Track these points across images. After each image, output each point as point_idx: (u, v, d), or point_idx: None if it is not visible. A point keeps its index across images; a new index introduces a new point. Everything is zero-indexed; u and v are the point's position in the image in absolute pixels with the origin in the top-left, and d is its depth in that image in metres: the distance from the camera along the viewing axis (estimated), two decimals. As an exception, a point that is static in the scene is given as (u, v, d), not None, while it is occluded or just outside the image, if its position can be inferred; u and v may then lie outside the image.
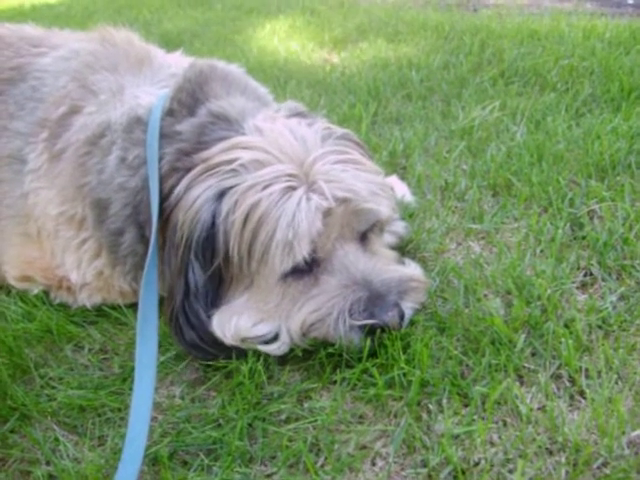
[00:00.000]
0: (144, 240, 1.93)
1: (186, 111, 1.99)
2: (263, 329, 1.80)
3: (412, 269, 1.94)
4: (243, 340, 1.79)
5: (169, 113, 2.00)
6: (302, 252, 1.70)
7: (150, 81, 2.25)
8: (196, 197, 1.75)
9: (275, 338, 1.81)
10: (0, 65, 2.44)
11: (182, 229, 1.76)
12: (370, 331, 1.71)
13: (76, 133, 2.12)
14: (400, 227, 2.17)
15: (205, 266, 1.78)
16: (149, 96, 2.12)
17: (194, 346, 1.81)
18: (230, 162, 1.77)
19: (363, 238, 1.89)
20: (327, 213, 1.73)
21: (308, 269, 1.79)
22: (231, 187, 1.74)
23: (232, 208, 1.72)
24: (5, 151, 2.27)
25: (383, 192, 1.85)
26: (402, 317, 1.74)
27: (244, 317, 1.80)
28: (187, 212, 1.75)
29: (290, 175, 1.74)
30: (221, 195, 1.75)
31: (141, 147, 1.97)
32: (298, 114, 1.99)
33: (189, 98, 2.01)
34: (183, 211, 1.76)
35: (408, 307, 1.80)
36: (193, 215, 1.74)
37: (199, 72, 2.09)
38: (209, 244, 1.76)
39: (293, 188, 1.72)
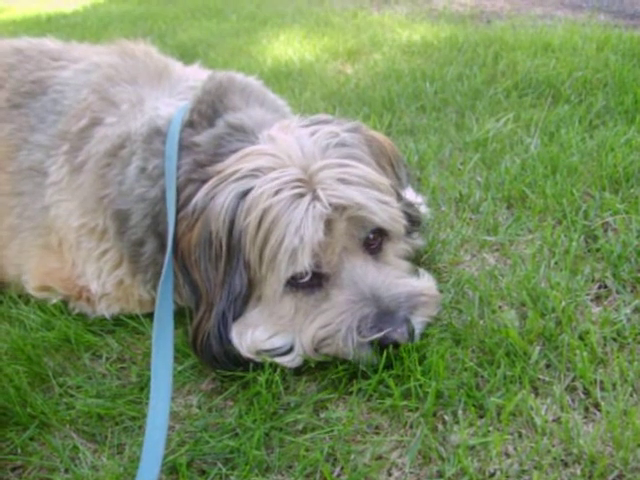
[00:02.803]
0: (164, 250, 1.94)
1: (206, 122, 2.02)
2: (278, 342, 1.82)
3: (425, 281, 1.93)
4: (258, 352, 1.81)
5: (189, 124, 2.03)
6: (304, 263, 1.72)
7: (169, 93, 2.28)
8: (222, 203, 1.76)
9: (290, 351, 1.82)
10: (21, 78, 2.48)
11: (218, 237, 1.77)
12: (381, 347, 1.71)
13: (96, 145, 2.15)
14: (415, 238, 2.17)
15: (247, 267, 1.79)
16: (168, 107, 2.15)
17: (216, 359, 1.81)
18: (243, 169, 1.80)
19: (377, 249, 1.90)
20: (328, 224, 1.74)
21: (318, 283, 1.81)
22: (246, 190, 1.76)
23: (248, 211, 1.74)
24: (26, 164, 2.30)
25: (380, 198, 1.82)
26: (412, 333, 1.75)
27: (259, 329, 1.82)
28: (218, 219, 1.76)
29: (299, 180, 1.75)
30: (240, 198, 1.76)
31: (160, 158, 1.99)
32: (320, 122, 1.98)
33: (209, 109, 2.04)
34: (214, 220, 1.77)
35: (418, 322, 1.80)
36: (226, 220, 1.76)
37: (218, 84, 2.12)
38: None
39: (302, 195, 1.74)
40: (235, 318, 1.82)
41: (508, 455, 1.49)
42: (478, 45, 4.66)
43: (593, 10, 6.11)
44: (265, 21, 6.83)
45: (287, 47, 5.48)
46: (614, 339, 1.79)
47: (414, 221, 2.10)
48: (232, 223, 1.76)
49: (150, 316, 2.04)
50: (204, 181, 1.85)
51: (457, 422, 1.59)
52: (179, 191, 1.90)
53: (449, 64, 4.37)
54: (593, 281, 2.04)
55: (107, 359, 2.02)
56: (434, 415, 1.63)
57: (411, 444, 1.56)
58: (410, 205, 2.11)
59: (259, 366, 1.80)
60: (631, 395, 1.60)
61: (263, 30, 6.36)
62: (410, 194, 2.29)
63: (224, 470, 1.55)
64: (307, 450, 1.58)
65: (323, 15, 6.73)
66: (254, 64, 5.00)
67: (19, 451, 1.70)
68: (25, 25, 8.47)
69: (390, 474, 1.51)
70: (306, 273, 1.76)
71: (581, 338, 1.80)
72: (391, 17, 6.36)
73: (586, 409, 1.60)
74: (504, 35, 4.83)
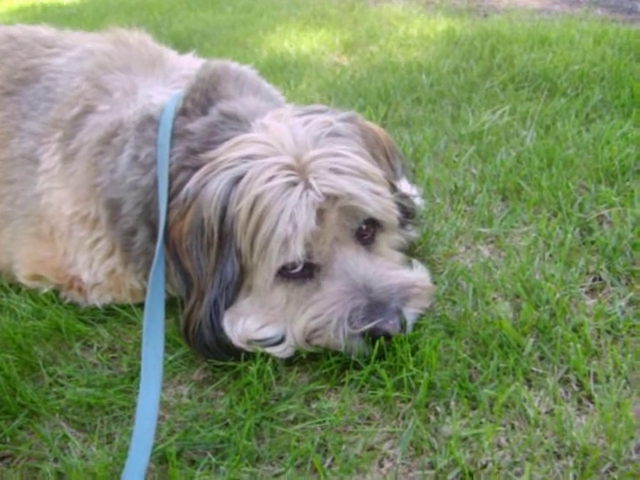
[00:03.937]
0: (156, 239, 1.92)
1: (199, 110, 2.01)
2: (269, 332, 1.81)
3: (418, 272, 1.92)
4: (249, 342, 1.80)
5: (182, 112, 2.02)
6: (296, 252, 1.70)
7: (163, 81, 2.27)
8: (214, 190, 1.75)
9: (281, 341, 1.81)
10: (14, 66, 2.46)
11: (210, 224, 1.76)
12: (373, 338, 1.69)
13: (89, 133, 2.13)
14: (410, 229, 2.16)
15: (238, 255, 1.78)
16: (162, 95, 2.13)
17: (208, 348, 1.80)
18: (235, 157, 1.79)
19: (370, 240, 1.88)
20: (320, 213, 1.72)
21: (309, 274, 1.80)
22: (239, 177, 1.75)
23: (240, 197, 1.73)
24: (18, 151, 2.29)
25: (373, 189, 1.80)
26: (404, 324, 1.73)
27: (251, 319, 1.81)
28: (210, 206, 1.75)
29: (292, 169, 1.74)
30: (232, 185, 1.75)
31: (153, 146, 1.98)
32: (314, 112, 1.96)
33: (202, 98, 2.03)
34: (206, 207, 1.75)
35: (410, 313, 1.79)
36: (217, 207, 1.75)
37: (212, 72, 2.10)
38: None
39: (294, 183, 1.72)
40: (227, 306, 1.81)
41: (500, 447, 1.49)
42: (475, 38, 4.64)
43: (590, 4, 6.09)
44: (261, 13, 6.81)
45: (283, 39, 5.47)
46: (608, 331, 1.78)
47: (408, 213, 2.08)
48: (224, 210, 1.74)
49: (142, 306, 2.02)
50: (196, 168, 1.84)
51: (449, 413, 1.58)
52: (171, 179, 1.89)
53: (445, 57, 4.35)
54: (588, 273, 2.03)
55: (98, 349, 2.00)
56: (426, 406, 1.62)
57: (403, 435, 1.55)
58: (404, 197, 2.10)
59: (250, 356, 1.79)
60: (624, 387, 1.59)
61: (259, 22, 6.34)
62: (405, 186, 2.27)
63: (214, 460, 1.54)
64: (298, 441, 1.57)
65: (320, 7, 6.71)
66: (250, 56, 4.98)
67: (8, 440, 1.69)
68: (21, 15, 8.45)
69: (381, 465, 1.50)
70: (299, 262, 1.75)
71: (575, 330, 1.79)
72: (388, 10, 6.33)
73: (579, 401, 1.59)
74: (501, 28, 4.81)
